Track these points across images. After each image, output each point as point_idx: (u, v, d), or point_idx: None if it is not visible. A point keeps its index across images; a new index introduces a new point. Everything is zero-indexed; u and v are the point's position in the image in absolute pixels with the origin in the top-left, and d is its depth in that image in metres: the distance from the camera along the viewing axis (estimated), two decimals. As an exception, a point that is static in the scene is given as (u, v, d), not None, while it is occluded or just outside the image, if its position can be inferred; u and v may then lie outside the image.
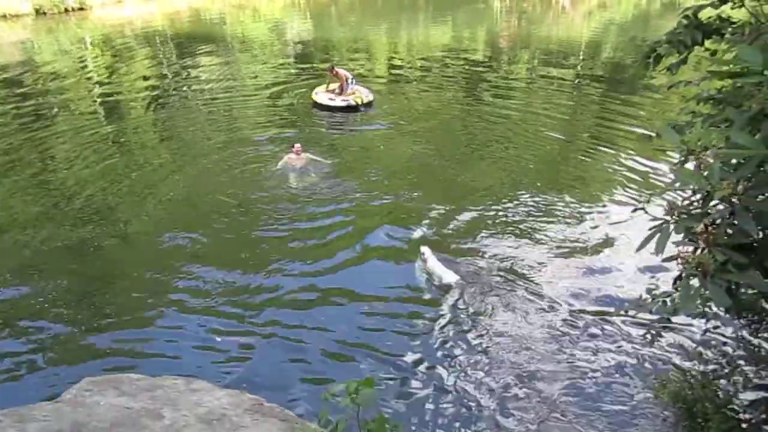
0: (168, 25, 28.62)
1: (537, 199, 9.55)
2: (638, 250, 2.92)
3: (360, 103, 14.03)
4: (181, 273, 7.83)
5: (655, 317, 4.79)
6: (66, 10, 29.24)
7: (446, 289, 7.24)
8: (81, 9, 29.89)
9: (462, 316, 6.81)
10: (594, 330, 6.39)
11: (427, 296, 7.26)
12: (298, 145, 10.98)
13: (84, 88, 17.72)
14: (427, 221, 8.93)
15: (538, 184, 10.16)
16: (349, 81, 14.30)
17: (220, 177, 10.72)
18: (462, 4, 35.98)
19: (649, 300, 4.44)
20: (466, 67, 19.48)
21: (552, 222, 8.86)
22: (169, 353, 6.34)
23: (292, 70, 19.28)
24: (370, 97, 14.32)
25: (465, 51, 22.25)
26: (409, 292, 7.35)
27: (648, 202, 2.99)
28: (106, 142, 12.77)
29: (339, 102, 14.02)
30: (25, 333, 6.70)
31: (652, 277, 7.09)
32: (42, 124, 13.83)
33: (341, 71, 14.43)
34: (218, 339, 6.46)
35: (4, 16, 27.88)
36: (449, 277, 7.31)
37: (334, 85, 14.41)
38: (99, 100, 16.37)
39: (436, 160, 11.34)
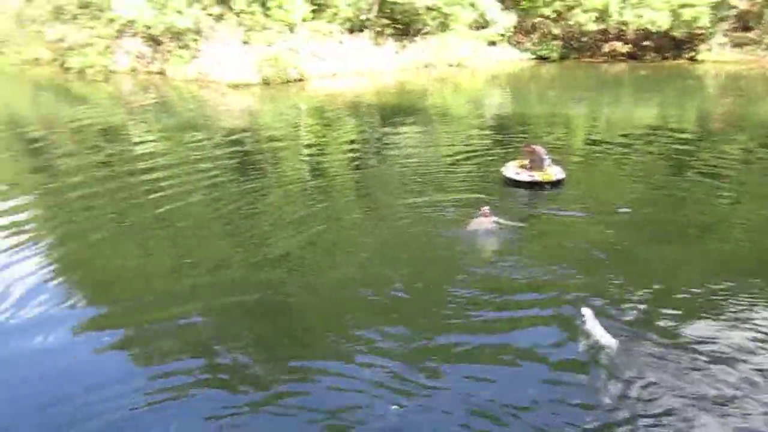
0: (375, 97, 30.46)
1: (747, 293, 8.59)
2: None
3: (546, 180, 13.62)
4: (366, 328, 8.05)
5: None
6: (288, 81, 32.31)
7: (604, 351, 7.18)
8: (300, 80, 32.87)
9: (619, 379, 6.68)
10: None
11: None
12: (486, 208, 11.25)
13: (294, 149, 19.33)
14: (607, 300, 8.56)
15: (753, 278, 9.10)
16: (544, 158, 13.99)
17: (409, 235, 11.18)
18: (670, 80, 34.29)
19: None
20: (672, 146, 18.27)
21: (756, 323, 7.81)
22: (351, 414, 6.40)
23: (487, 142, 19.48)
24: (560, 176, 13.81)
25: (671, 130, 20.95)
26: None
27: None
28: (307, 197, 13.80)
29: (525, 177, 13.74)
30: (212, 380, 7.18)
31: None
32: (254, 178, 15.26)
33: (537, 148, 14.19)
34: (393, 408, 6.41)
35: (237, 86, 31.44)
36: (607, 340, 7.25)
37: (525, 161, 14.16)
38: (306, 159, 17.82)
39: (628, 243, 10.61)
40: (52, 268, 10.16)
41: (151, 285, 9.74)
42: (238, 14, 34.64)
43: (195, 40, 34.33)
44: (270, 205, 13.34)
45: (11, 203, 13.49)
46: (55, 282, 9.61)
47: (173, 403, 6.71)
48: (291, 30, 35.00)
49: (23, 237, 11.41)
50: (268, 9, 34.38)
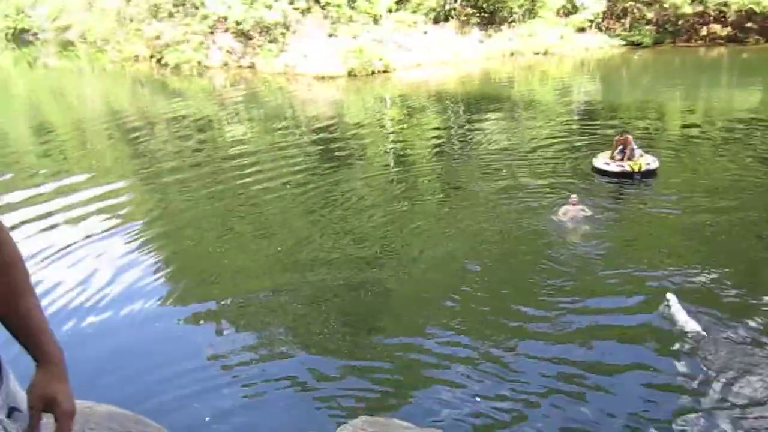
0: (459, 86, 30.28)
1: None
2: None
3: (637, 170, 13.13)
4: (454, 320, 8.05)
5: None
6: (373, 72, 32.55)
7: (688, 337, 7.18)
8: (385, 71, 33.05)
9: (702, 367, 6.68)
10: None
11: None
12: (574, 197, 11.14)
13: (379, 139, 19.56)
14: (697, 291, 8.40)
15: None
16: (634, 148, 13.52)
17: (495, 223, 11.23)
18: (776, 64, 32.25)
19: None
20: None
21: None
22: (432, 403, 6.48)
23: (574, 131, 19.00)
24: (652, 166, 13.32)
25: (776, 118, 19.75)
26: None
27: None
28: (392, 185, 14.03)
29: (614, 167, 13.35)
30: (302, 364, 7.35)
31: None
32: (339, 166, 15.59)
33: (629, 137, 13.73)
34: (477, 399, 6.44)
35: (323, 78, 31.99)
36: (692, 325, 7.25)
37: (615, 152, 13.73)
38: (391, 148, 18.02)
39: (723, 237, 10.23)
40: (146, 246, 10.84)
41: (240, 264, 10.21)
42: (323, 7, 35.21)
43: (283, 33, 35.15)
44: (355, 192, 13.58)
45: (111, 186, 14.43)
46: (154, 274, 10.12)
47: (257, 372, 7.13)
48: (376, 21, 35.26)
49: (120, 217, 12.25)
50: (354, 1, 34.77)
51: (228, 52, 37.51)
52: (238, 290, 9.41)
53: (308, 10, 35.55)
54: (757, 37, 39.36)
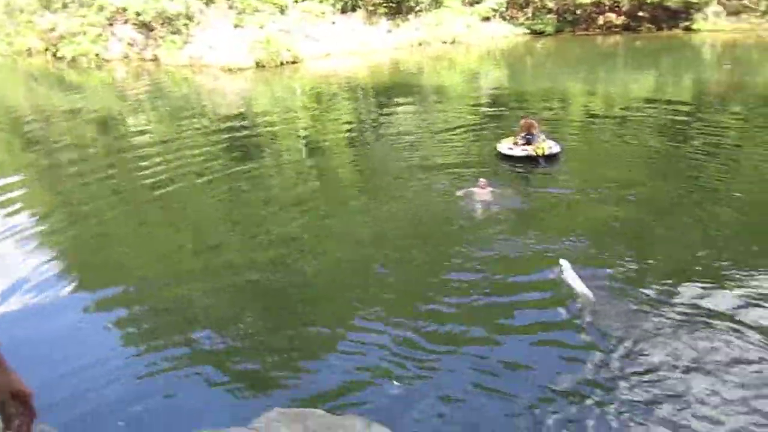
0: (369, 76, 30.35)
1: (740, 265, 8.52)
2: None
3: (541, 154, 13.48)
4: (369, 307, 8.03)
5: None
6: (281, 63, 32.14)
7: (580, 300, 7.65)
8: (294, 62, 32.70)
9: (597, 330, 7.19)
10: None
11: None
12: (482, 180, 11.43)
13: (290, 130, 19.29)
14: (597, 264, 8.75)
15: (746, 248, 9.13)
16: (537, 132, 13.94)
17: (407, 210, 11.27)
18: (666, 51, 34.08)
19: None
20: (669, 117, 18.18)
21: (754, 301, 7.71)
22: (349, 391, 6.44)
23: (483, 118, 19.42)
24: (555, 150, 13.70)
25: (668, 101, 20.85)
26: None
27: None
28: (304, 177, 13.89)
29: (518, 152, 13.66)
30: (222, 361, 7.14)
31: None
32: (250, 159, 15.30)
33: (533, 122, 14.15)
34: (395, 383, 6.46)
35: (230, 69, 31.31)
36: (583, 290, 7.70)
37: (518, 138, 14.04)
38: (302, 140, 17.86)
39: (622, 213, 10.69)
40: (51, 251, 10.24)
41: (150, 266, 9.82)
42: (228, -3, 34.49)
43: (186, 24, 34.14)
44: (267, 185, 13.36)
45: (9, 190, 13.50)
46: (56, 265, 9.65)
47: (175, 373, 6.84)
48: (282, 12, 34.82)
49: (22, 222, 11.48)
50: (259, -9, 34.23)
51: (129, 44, 36.11)
52: (144, 285, 9.08)
53: (212, 0, 34.64)
54: (648, 25, 41.50)
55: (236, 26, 33.93)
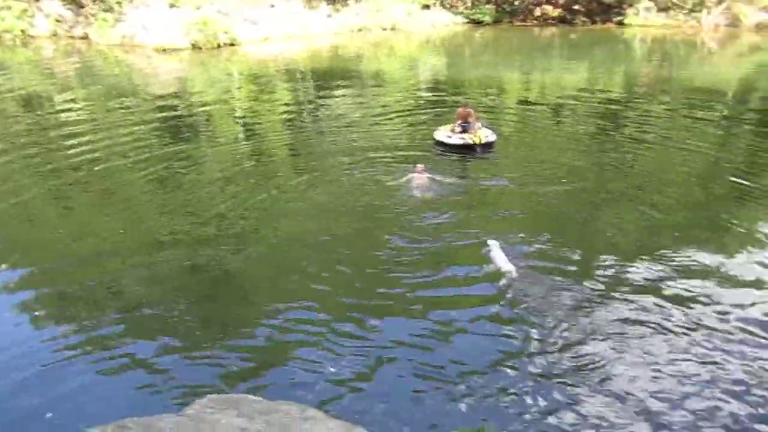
0: (309, 61, 30.06)
1: (666, 250, 8.95)
2: None
3: (477, 142, 13.72)
4: (308, 295, 8.00)
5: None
6: (219, 46, 31.47)
7: (505, 277, 8.09)
8: (232, 45, 32.07)
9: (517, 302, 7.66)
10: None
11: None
12: (420, 166, 11.69)
13: (227, 113, 18.94)
14: (527, 245, 9.16)
15: (674, 232, 9.57)
16: (474, 121, 14.15)
17: (344, 195, 11.28)
18: (599, 44, 35.04)
19: None
20: (602, 106, 18.89)
21: (675, 275, 8.22)
22: (284, 377, 6.42)
23: (421, 105, 19.53)
24: (491, 138, 13.97)
25: (600, 91, 21.57)
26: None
27: None
28: (241, 161, 13.64)
29: (455, 140, 13.85)
30: (153, 345, 7.01)
31: None
32: (185, 142, 14.92)
33: (470, 111, 14.35)
34: (331, 369, 6.47)
35: (164, 50, 30.45)
36: (507, 266, 8.22)
37: (455, 126, 14.21)
38: (239, 123, 17.51)
39: (554, 198, 11.08)
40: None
41: (74, 246, 9.55)
42: (164, -25, 33.41)
43: (119, 2, 32.96)
44: (202, 168, 13.08)
45: None
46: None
47: (101, 357, 6.70)
48: (220, -7, 34.04)
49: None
50: (196, -30, 33.29)
51: (57, 20, 34.62)
52: (67, 265, 8.84)
53: (147, -23, 33.55)
54: (583, 18, 42.62)
55: (172, 6, 32.94)
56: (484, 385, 6.14)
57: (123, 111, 18.57)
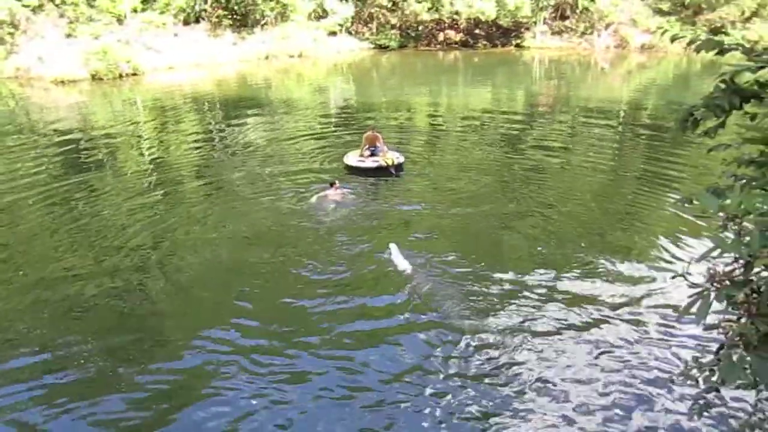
0: (215, 89, 29.67)
1: (570, 258, 9.46)
2: (679, 317, 2.83)
3: (390, 164, 13.98)
4: (225, 327, 7.83)
5: (702, 387, 4.59)
6: (120, 76, 30.57)
7: (406, 277, 8.73)
8: (134, 74, 31.22)
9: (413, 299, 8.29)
10: (631, 395, 6.20)
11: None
12: (337, 182, 12.31)
13: (133, 145, 18.38)
14: (437, 261, 9.39)
15: (578, 244, 10.05)
16: (381, 145, 14.42)
17: (259, 222, 11.29)
18: (500, 66, 36.54)
19: (695, 369, 4.25)
20: (505, 126, 19.74)
21: (580, 282, 8.71)
22: (202, 413, 6.25)
23: (331, 130, 19.70)
24: (400, 160, 14.29)
25: (504, 112, 22.51)
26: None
27: (688, 268, 2.90)
28: (150, 193, 13.18)
29: (369, 163, 14.04)
30: (54, 387, 6.66)
31: (698, 345, 6.87)
32: (89, 178, 14.28)
33: (377, 134, 14.60)
34: (253, 402, 6.38)
35: (63, 82, 29.30)
36: (404, 266, 8.94)
37: (363, 150, 14.46)
38: (146, 155, 16.94)
39: (467, 218, 11.45)
40: None
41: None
42: (58, 5, 32.20)
43: (11, 33, 31.48)
44: (109, 204, 12.54)
45: None
46: None
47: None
48: (120, 22, 33.17)
49: None
50: (93, 0, 32.30)
51: (-59, 52, 32.64)
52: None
53: (40, 7, 32.23)
54: (484, 42, 44.41)
55: (69, 36, 31.85)
56: (404, 399, 6.26)
57: (19, 146, 17.66)
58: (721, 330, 2.64)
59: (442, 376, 6.61)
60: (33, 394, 6.56)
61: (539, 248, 9.92)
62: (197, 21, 37.46)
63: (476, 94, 27.70)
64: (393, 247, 9.40)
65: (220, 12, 38.42)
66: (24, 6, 31.22)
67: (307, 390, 6.50)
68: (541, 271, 9.02)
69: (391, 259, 9.16)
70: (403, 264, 8.99)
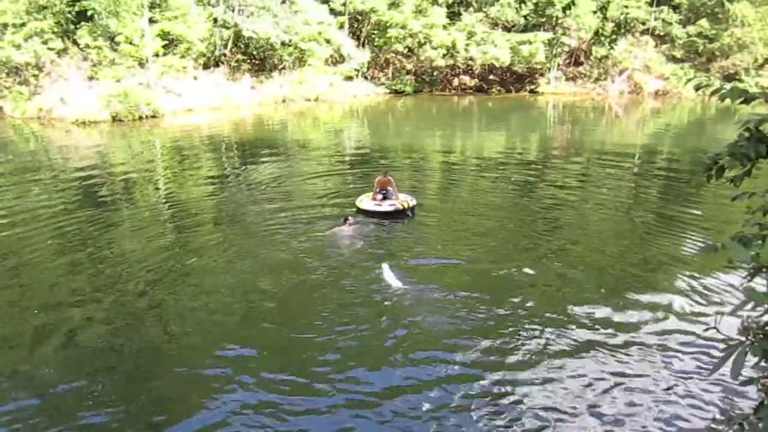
0: (233, 131, 30.13)
1: (590, 307, 9.25)
2: (712, 372, 2.76)
3: (406, 207, 14.02)
4: (240, 348, 7.93)
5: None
6: (140, 118, 31.13)
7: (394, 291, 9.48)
8: (154, 116, 31.79)
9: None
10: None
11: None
12: (351, 218, 12.71)
13: (150, 183, 18.65)
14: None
15: (597, 290, 9.95)
16: (393, 188, 14.46)
17: (278, 260, 11.32)
18: (514, 111, 36.85)
19: (723, 425, 4.10)
20: (520, 168, 19.79)
21: (602, 334, 8.48)
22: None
23: (346, 173, 19.80)
24: (413, 202, 14.33)
25: (518, 154, 22.62)
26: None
27: (720, 321, 2.80)
28: (167, 232, 13.32)
29: (386, 207, 14.01)
30: (65, 415, 6.67)
31: (725, 398, 6.73)
32: (108, 217, 14.41)
33: (389, 178, 14.66)
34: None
35: (84, 123, 29.87)
36: (395, 284, 9.68)
37: (375, 194, 14.51)
38: (164, 196, 17.12)
39: (483, 256, 11.43)
40: None
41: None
42: (82, 49, 33.05)
43: (35, 75, 32.30)
44: (127, 243, 12.63)
45: None
46: None
47: None
48: (141, 65, 33.93)
49: None
50: (117, 44, 33.12)
51: (-34, 93, 33.48)
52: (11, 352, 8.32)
53: (65, 50, 33.10)
54: (499, 87, 44.89)
55: (91, 78, 32.58)
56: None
57: (40, 188, 17.92)
58: (759, 387, 2.56)
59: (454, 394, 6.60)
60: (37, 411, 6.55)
61: (556, 291, 9.84)
62: (217, 65, 38.26)
63: (490, 138, 27.90)
64: (385, 265, 10.20)
65: (239, 57, 39.27)
66: (49, 49, 32.05)
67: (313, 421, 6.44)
68: (558, 317, 8.87)
69: (383, 277, 9.92)
70: (393, 280, 9.76)
